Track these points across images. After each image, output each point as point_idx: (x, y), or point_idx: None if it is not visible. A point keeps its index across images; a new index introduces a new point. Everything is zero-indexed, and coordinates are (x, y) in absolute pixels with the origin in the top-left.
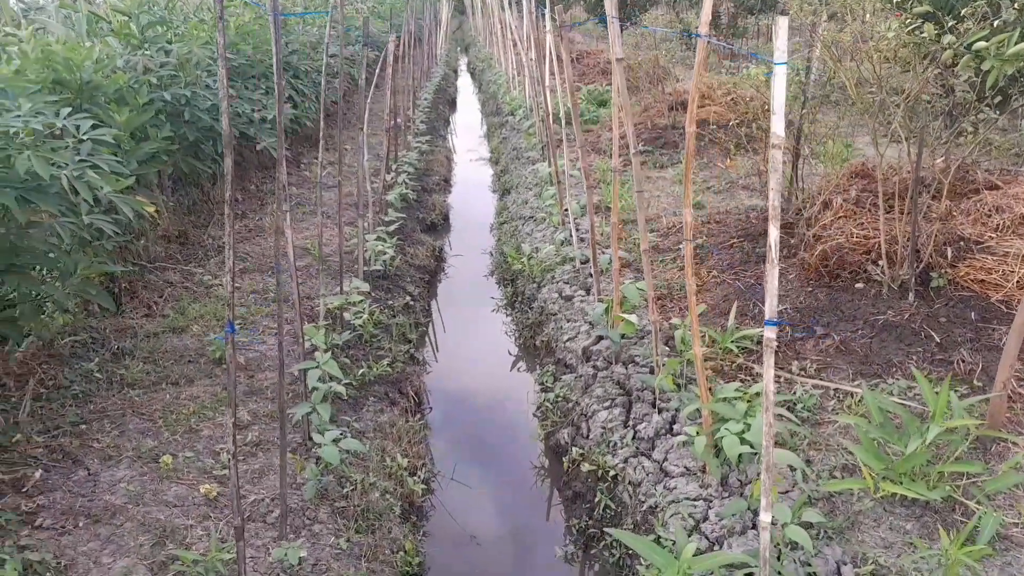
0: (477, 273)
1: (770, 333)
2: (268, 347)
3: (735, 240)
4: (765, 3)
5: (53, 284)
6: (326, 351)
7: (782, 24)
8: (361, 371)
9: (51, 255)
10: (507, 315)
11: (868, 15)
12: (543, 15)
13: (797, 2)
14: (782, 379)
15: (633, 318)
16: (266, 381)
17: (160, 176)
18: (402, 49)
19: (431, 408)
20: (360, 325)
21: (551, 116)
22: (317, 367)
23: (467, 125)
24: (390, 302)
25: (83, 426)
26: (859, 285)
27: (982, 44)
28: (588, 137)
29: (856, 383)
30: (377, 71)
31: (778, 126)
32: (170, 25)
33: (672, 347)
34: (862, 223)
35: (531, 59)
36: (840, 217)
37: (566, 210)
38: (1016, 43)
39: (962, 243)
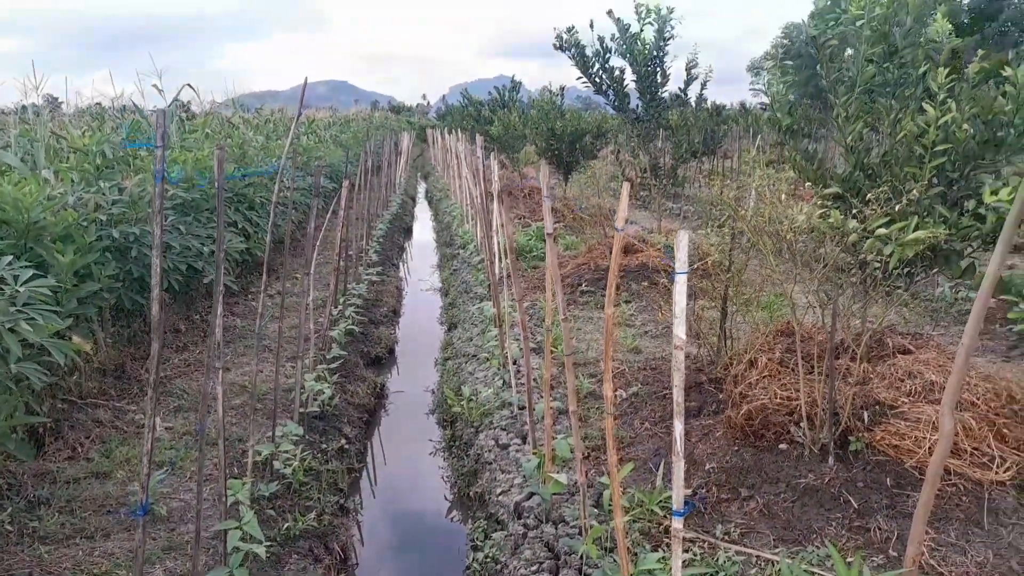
0: (418, 412)
1: (677, 524)
2: (194, 495)
3: (668, 391)
4: (707, 147)
5: None
6: (251, 505)
7: (683, 238)
8: (286, 525)
9: None
10: (445, 460)
11: (783, 195)
12: (490, 156)
13: (718, 182)
14: (706, 544)
15: (562, 477)
16: (187, 535)
17: (101, 310)
18: (360, 179)
19: (358, 563)
20: (290, 474)
21: (497, 261)
22: (238, 527)
23: (421, 253)
24: (324, 446)
25: None
26: (783, 446)
27: (882, 231)
28: (535, 274)
29: (777, 550)
30: (334, 202)
31: (680, 330)
32: (133, 158)
33: (602, 506)
34: (785, 384)
35: (479, 204)
36: (765, 376)
37: (506, 354)
38: (914, 230)
39: (877, 407)
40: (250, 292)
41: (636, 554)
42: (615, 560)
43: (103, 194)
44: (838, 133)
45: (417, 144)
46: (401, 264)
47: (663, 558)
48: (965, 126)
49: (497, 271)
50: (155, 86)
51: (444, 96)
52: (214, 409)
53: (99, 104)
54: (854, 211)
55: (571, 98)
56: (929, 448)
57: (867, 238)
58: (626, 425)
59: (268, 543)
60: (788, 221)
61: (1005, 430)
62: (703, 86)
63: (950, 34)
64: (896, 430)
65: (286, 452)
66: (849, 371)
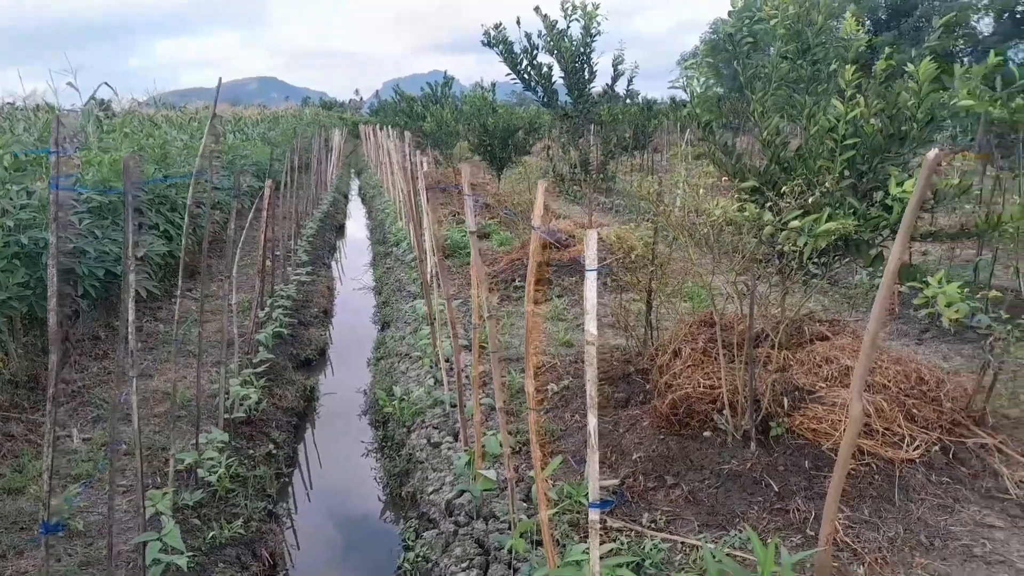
0: (350, 414)
1: (594, 515)
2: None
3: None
4: (637, 143)
5: None
6: (174, 515)
7: (591, 236)
8: (212, 534)
9: None
10: (377, 461)
11: (702, 189)
12: (415, 152)
13: (640, 177)
14: (632, 533)
15: (491, 474)
16: (106, 549)
17: (11, 320)
18: (285, 177)
19: (288, 569)
20: (215, 481)
21: (428, 258)
22: (158, 539)
23: (355, 251)
24: (251, 451)
25: None
26: (707, 433)
27: (796, 223)
28: (469, 270)
29: (702, 535)
30: (258, 201)
31: (591, 326)
32: (45, 160)
33: (532, 499)
34: (708, 372)
35: (409, 200)
36: (689, 366)
37: (438, 352)
38: (825, 222)
39: (797, 393)
40: (175, 296)
41: (565, 546)
42: (543, 553)
43: (10, 198)
44: (756, 128)
45: (350, 140)
46: (334, 263)
47: (588, 550)
48: (872, 120)
49: (429, 268)
50: (70, 84)
51: (377, 92)
52: (133, 419)
53: (11, 103)
54: (770, 204)
55: (506, 93)
56: (845, 430)
57: (782, 230)
58: (557, 418)
59: (192, 553)
60: (705, 214)
61: (914, 410)
62: (630, 81)
63: (867, 31)
64: (814, 414)
65: (211, 459)
66: (770, 359)
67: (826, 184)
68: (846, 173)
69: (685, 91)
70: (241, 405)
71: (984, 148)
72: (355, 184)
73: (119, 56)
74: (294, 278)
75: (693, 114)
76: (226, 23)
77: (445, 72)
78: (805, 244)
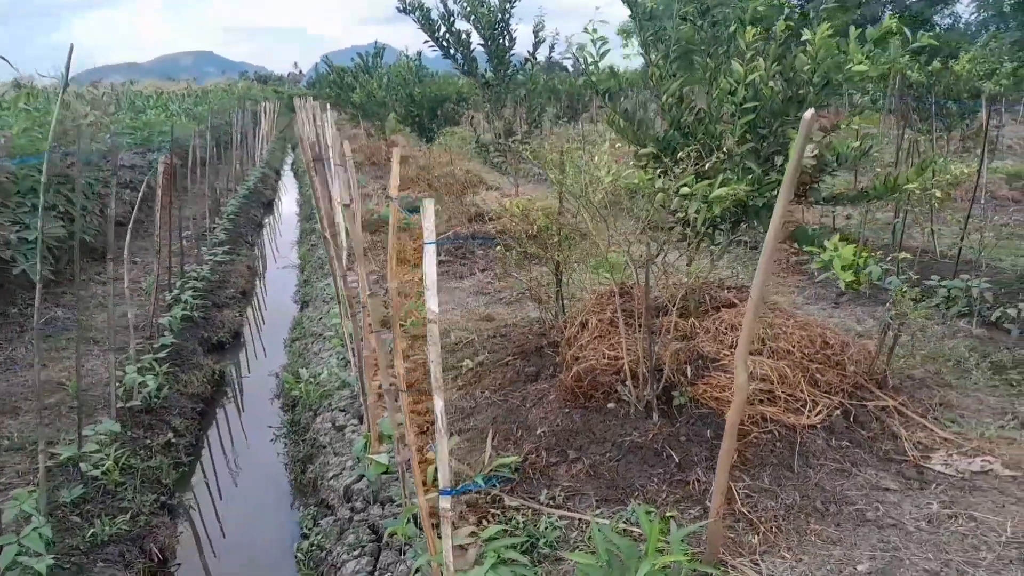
0: (261, 398)
1: (445, 503)
2: None
3: (512, 357)
4: (574, 112)
5: None
6: (51, 514)
7: (428, 206)
8: (93, 531)
9: None
10: (284, 446)
11: (596, 157)
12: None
13: (538, 142)
14: (530, 511)
15: (384, 458)
16: None
17: None
18: (192, 154)
19: (179, 565)
20: (102, 475)
21: (342, 233)
22: (15, 542)
23: (286, 229)
24: (148, 441)
25: None
26: (611, 405)
27: (686, 190)
28: (395, 245)
29: (599, 511)
30: (147, 180)
31: (432, 303)
32: None
33: (429, 481)
34: (613, 344)
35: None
36: (596, 337)
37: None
38: (718, 188)
39: (701, 361)
40: (79, 280)
41: (458, 528)
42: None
43: None
44: (655, 93)
45: (285, 114)
46: (261, 242)
47: (474, 532)
48: (771, 83)
49: (344, 245)
50: None
51: (316, 65)
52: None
53: None
54: (670, 170)
55: (447, 63)
56: (749, 398)
57: (674, 197)
58: (468, 395)
59: (61, 554)
60: (596, 182)
61: (818, 375)
62: (551, 48)
63: (798, 2)
64: (717, 382)
65: (98, 452)
66: (676, 327)
67: (724, 149)
68: (747, 137)
69: (579, 58)
70: (139, 393)
71: (900, 110)
72: (289, 159)
73: (43, 31)
74: (208, 258)
75: (590, 82)
76: None
77: (375, 41)
78: (698, 211)
